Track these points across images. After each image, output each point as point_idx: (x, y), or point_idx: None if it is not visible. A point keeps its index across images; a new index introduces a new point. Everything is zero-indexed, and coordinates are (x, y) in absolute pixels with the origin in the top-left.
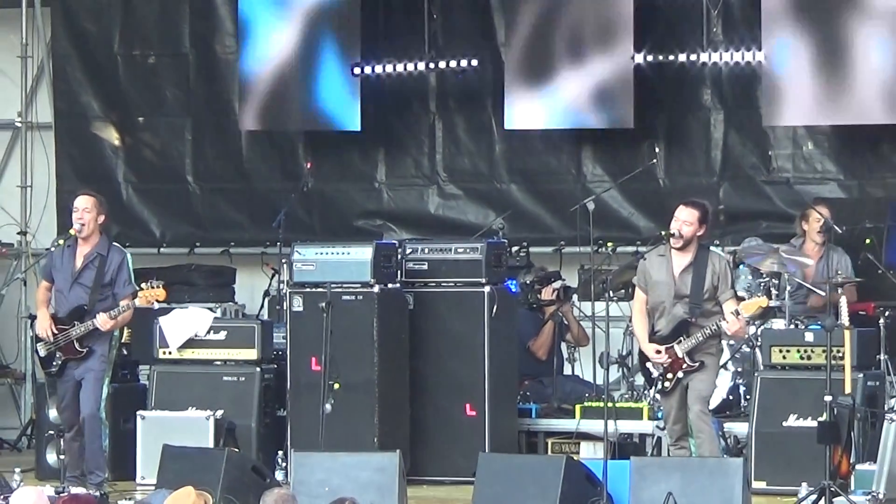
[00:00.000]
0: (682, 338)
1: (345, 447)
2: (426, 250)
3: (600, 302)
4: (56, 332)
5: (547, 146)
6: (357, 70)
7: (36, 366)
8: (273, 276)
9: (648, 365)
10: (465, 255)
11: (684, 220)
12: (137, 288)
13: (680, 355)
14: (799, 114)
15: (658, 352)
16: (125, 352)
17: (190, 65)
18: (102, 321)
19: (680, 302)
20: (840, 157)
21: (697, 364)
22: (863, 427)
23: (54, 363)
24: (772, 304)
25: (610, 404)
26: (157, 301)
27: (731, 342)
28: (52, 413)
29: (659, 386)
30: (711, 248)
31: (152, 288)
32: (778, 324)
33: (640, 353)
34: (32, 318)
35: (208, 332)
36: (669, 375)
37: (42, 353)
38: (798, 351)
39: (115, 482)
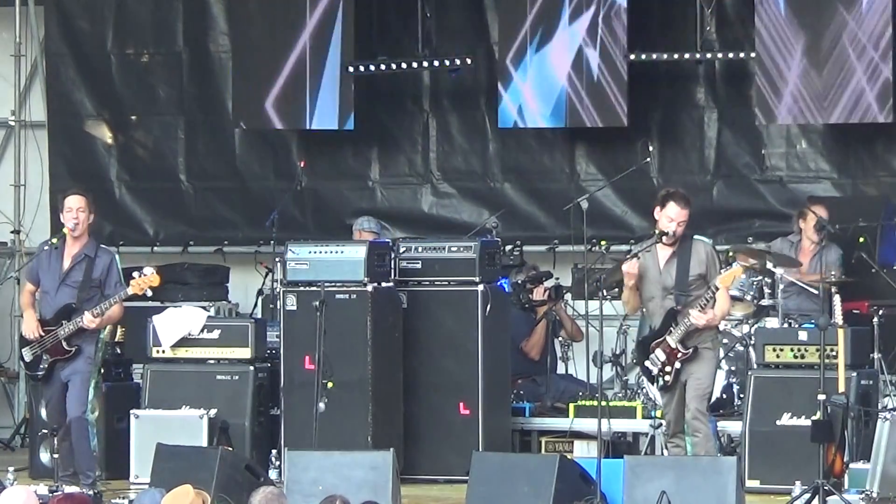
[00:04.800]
0: (671, 328)
1: (338, 446)
2: (420, 249)
3: (594, 301)
4: (43, 333)
5: (540, 145)
6: (350, 68)
7: None
8: (266, 274)
9: (647, 363)
10: (459, 253)
11: (679, 220)
12: (127, 287)
13: (673, 345)
14: (792, 112)
15: (630, 272)
16: (118, 350)
17: (183, 63)
18: (88, 320)
19: (670, 294)
20: (833, 155)
21: (691, 350)
22: (856, 426)
23: (41, 366)
24: (765, 304)
25: (604, 403)
26: (151, 287)
27: (725, 341)
28: (45, 414)
29: (660, 382)
30: (696, 236)
31: (144, 276)
32: (772, 322)
33: (638, 351)
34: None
35: (202, 330)
36: (668, 368)
37: (28, 357)
38: (792, 350)
39: (109, 481)
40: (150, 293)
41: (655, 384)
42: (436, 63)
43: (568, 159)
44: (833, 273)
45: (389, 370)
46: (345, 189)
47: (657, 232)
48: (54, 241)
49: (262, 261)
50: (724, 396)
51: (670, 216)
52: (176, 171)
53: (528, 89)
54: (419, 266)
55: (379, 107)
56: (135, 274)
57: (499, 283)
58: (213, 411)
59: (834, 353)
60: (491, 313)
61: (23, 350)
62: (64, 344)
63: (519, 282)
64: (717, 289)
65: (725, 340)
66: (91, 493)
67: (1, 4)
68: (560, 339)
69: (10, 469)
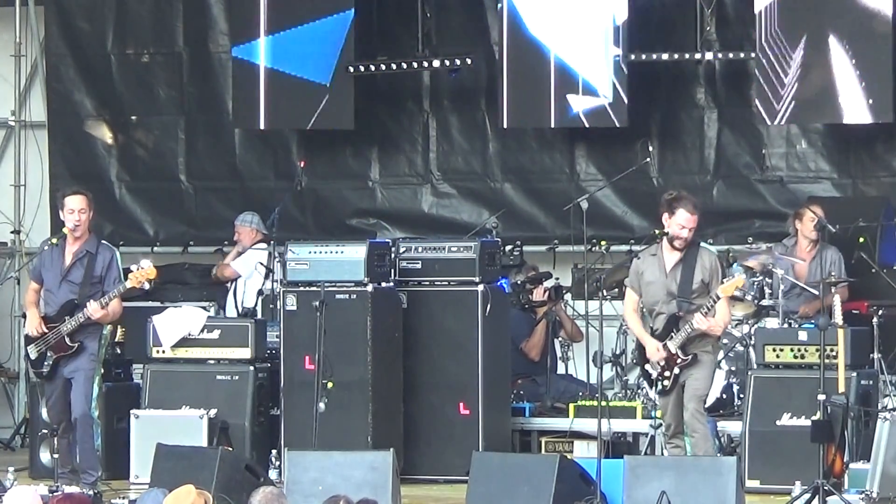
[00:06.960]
0: (672, 333)
1: (338, 446)
2: (420, 249)
3: (594, 301)
4: (46, 330)
5: (540, 145)
6: (350, 68)
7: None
8: (267, 274)
9: (647, 367)
10: (459, 254)
11: (691, 227)
12: (125, 281)
13: (673, 351)
14: (792, 113)
15: (658, 350)
16: (119, 350)
17: (183, 63)
18: (93, 309)
19: (674, 299)
20: (833, 155)
21: (690, 357)
22: (856, 426)
23: (45, 363)
24: (765, 304)
25: (604, 403)
26: (148, 280)
27: (725, 341)
28: (46, 412)
29: (659, 386)
30: (702, 244)
31: (141, 269)
32: (772, 323)
33: (639, 353)
34: (25, 316)
35: (202, 330)
36: (667, 373)
37: (33, 354)
38: (792, 350)
39: (109, 481)
40: (147, 286)
41: (654, 388)
42: (436, 63)
43: (568, 159)
44: (833, 273)
45: (389, 370)
46: (345, 189)
47: (658, 232)
48: (54, 240)
49: (261, 261)
50: (724, 396)
51: (681, 223)
52: (176, 171)
53: (527, 89)
54: (419, 266)
55: (379, 107)
56: (133, 267)
57: (499, 284)
58: (213, 411)
59: (834, 354)
60: (491, 313)
61: (28, 347)
62: (67, 340)
63: (519, 282)
64: (719, 298)
65: (725, 340)
66: (91, 492)
67: (1, 4)
68: (560, 339)
69: (10, 469)
